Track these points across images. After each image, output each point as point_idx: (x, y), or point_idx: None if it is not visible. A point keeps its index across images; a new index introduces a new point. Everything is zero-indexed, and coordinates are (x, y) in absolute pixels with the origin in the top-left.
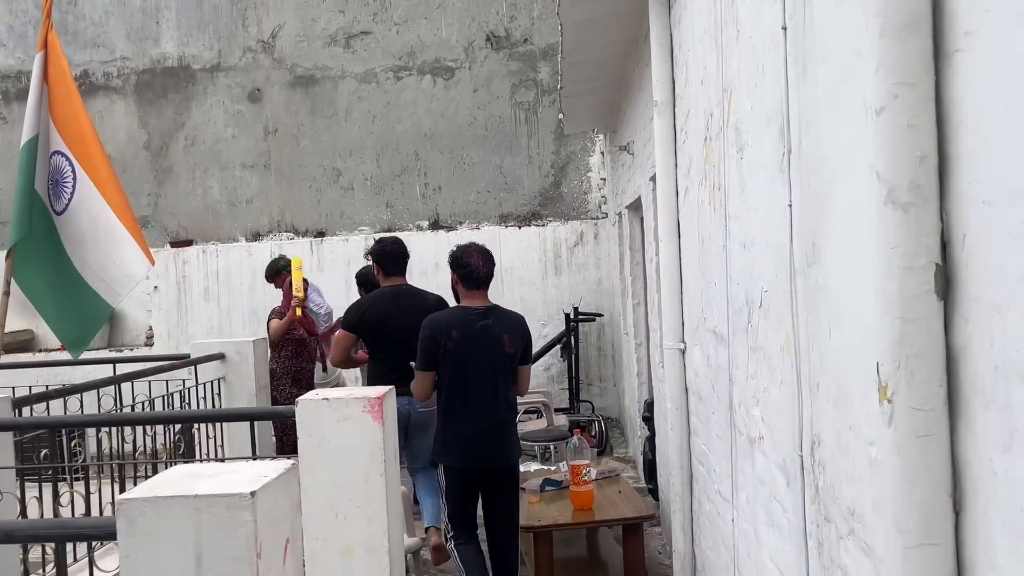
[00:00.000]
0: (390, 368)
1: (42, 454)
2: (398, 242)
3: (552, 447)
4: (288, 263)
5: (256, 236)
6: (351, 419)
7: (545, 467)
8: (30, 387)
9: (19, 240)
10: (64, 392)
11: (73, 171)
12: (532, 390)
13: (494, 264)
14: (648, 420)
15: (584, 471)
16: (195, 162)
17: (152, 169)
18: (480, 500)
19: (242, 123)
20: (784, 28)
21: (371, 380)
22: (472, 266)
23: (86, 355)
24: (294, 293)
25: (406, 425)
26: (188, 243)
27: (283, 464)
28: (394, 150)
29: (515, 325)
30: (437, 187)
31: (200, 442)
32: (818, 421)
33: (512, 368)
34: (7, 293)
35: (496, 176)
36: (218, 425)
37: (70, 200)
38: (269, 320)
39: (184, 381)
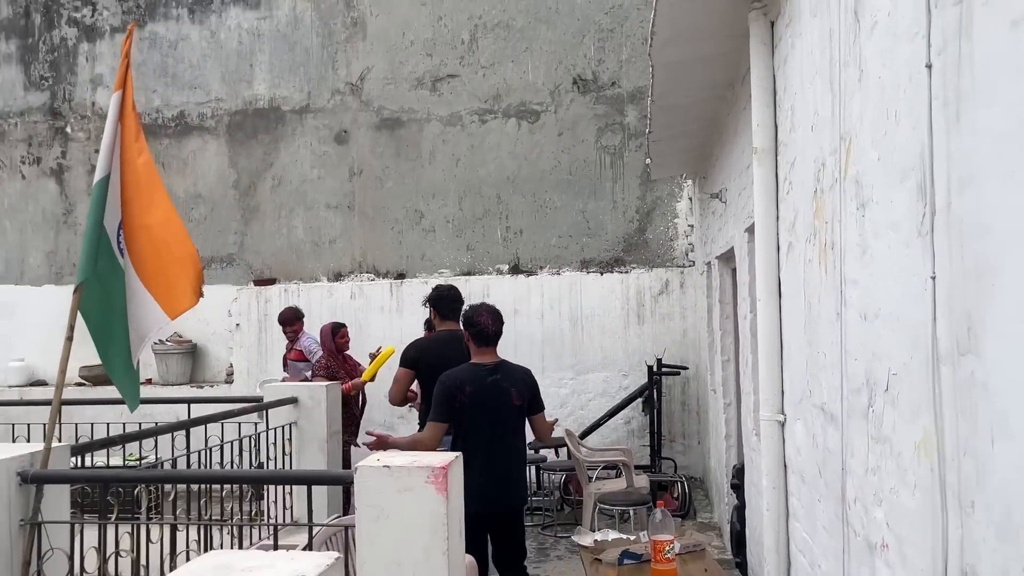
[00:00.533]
0: None
1: (107, 496)
2: (453, 289)
3: (632, 512)
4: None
5: (337, 276)
6: (413, 490)
7: (623, 536)
8: (108, 425)
9: (85, 279)
10: (125, 439)
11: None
12: (611, 446)
13: (503, 323)
14: (737, 488)
15: (667, 547)
16: (281, 202)
17: (239, 208)
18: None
19: (328, 164)
20: (929, 66)
21: (423, 418)
22: (482, 325)
23: (165, 391)
24: (365, 378)
25: None
26: (271, 281)
27: (323, 560)
28: (476, 193)
29: (521, 379)
30: (518, 231)
31: (267, 489)
32: (972, 549)
33: (520, 421)
34: (70, 339)
35: (579, 221)
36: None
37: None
38: (314, 374)
39: (256, 425)
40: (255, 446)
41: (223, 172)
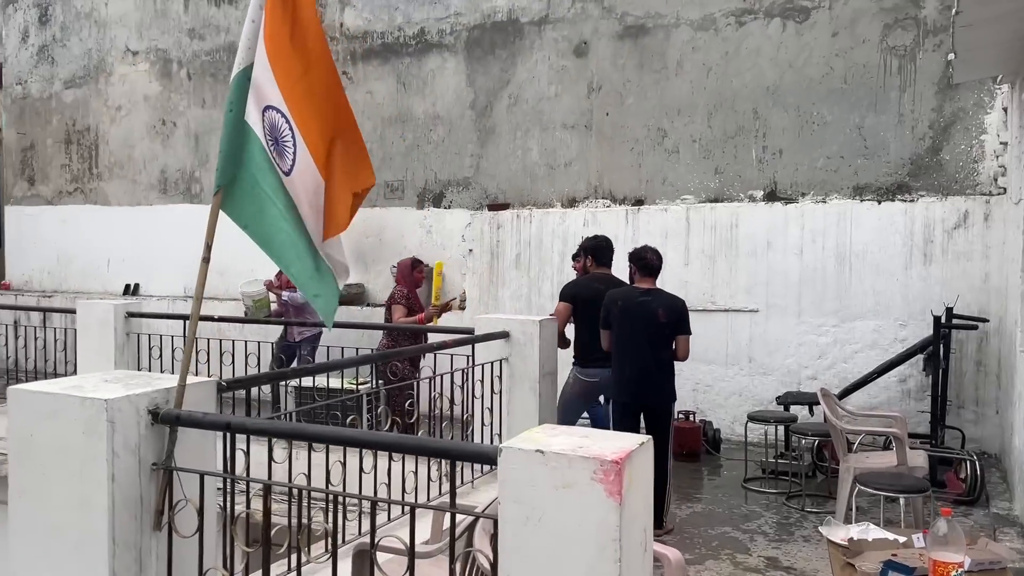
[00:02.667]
0: (592, 338)
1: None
2: (609, 240)
3: (903, 501)
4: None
5: (572, 202)
6: (574, 488)
7: (888, 536)
8: (356, 350)
9: (232, 182)
10: (276, 376)
11: (293, 137)
12: (880, 412)
13: (662, 262)
14: None
15: (953, 571)
16: (517, 122)
17: (476, 129)
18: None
19: (566, 80)
20: None
21: (576, 348)
22: (647, 259)
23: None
24: (434, 302)
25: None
26: (505, 206)
27: None
28: (729, 108)
29: (669, 303)
30: (777, 151)
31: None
32: None
33: (665, 335)
34: (207, 259)
35: (853, 139)
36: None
37: (293, 165)
38: (391, 303)
39: (468, 358)
40: (465, 381)
41: (460, 91)
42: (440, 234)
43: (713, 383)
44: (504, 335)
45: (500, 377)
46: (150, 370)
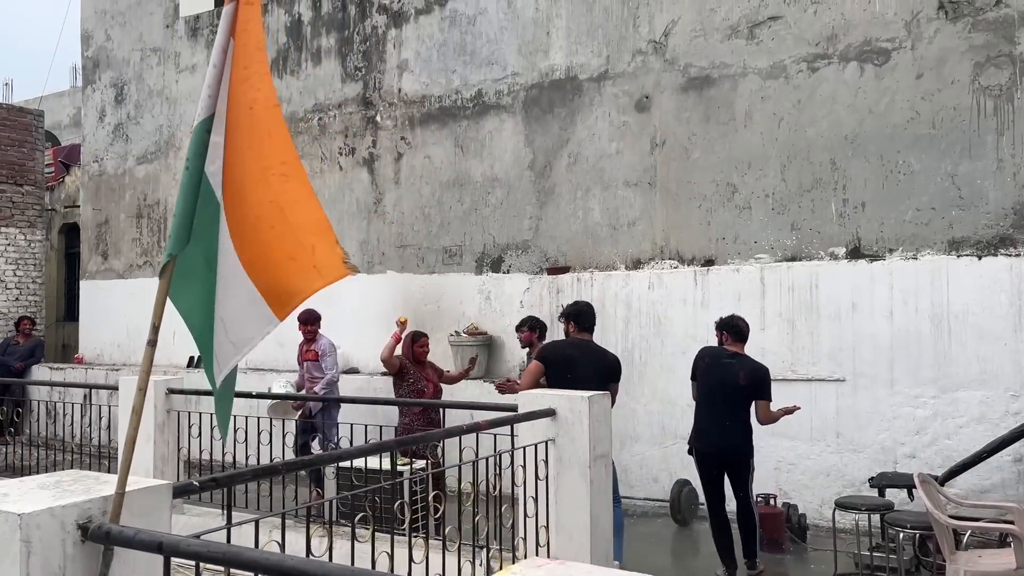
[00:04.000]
0: None
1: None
2: (590, 306)
3: None
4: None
5: (636, 263)
6: None
7: None
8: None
9: (181, 252)
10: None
11: (222, 163)
12: (993, 503)
13: (750, 330)
14: None
15: None
16: (577, 181)
17: (535, 191)
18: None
19: (627, 136)
20: None
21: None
22: (739, 325)
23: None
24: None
25: None
26: (565, 270)
27: None
28: (804, 159)
29: (753, 368)
30: (859, 204)
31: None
32: None
33: (742, 396)
34: (152, 343)
35: (945, 188)
36: None
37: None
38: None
39: (513, 439)
40: (504, 467)
41: (519, 152)
42: (499, 300)
43: (797, 461)
44: (550, 413)
45: (547, 461)
46: (189, 450)
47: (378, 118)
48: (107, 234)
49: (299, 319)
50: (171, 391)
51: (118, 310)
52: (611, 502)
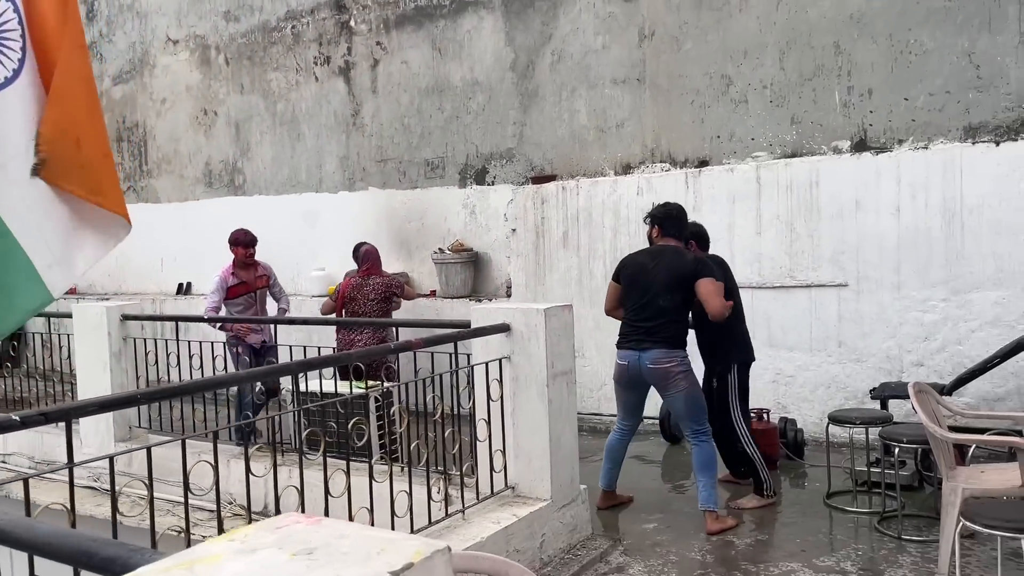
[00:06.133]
0: (630, 317)
1: None
2: (681, 209)
3: None
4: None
5: (627, 168)
6: None
7: None
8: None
9: None
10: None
11: (23, 31)
12: (1005, 413)
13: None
14: None
15: None
16: (562, 81)
17: (517, 93)
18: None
19: (614, 28)
20: None
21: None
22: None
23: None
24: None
25: (636, 379)
26: (550, 178)
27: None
28: (805, 44)
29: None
30: (865, 91)
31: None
32: None
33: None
34: None
35: (962, 68)
36: None
37: (16, 73)
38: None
39: (469, 356)
40: (457, 384)
41: (500, 52)
42: (484, 214)
43: (795, 373)
44: (503, 329)
45: (500, 380)
46: (147, 378)
47: (352, 23)
48: None
49: (239, 242)
50: (125, 317)
51: None
52: (574, 423)
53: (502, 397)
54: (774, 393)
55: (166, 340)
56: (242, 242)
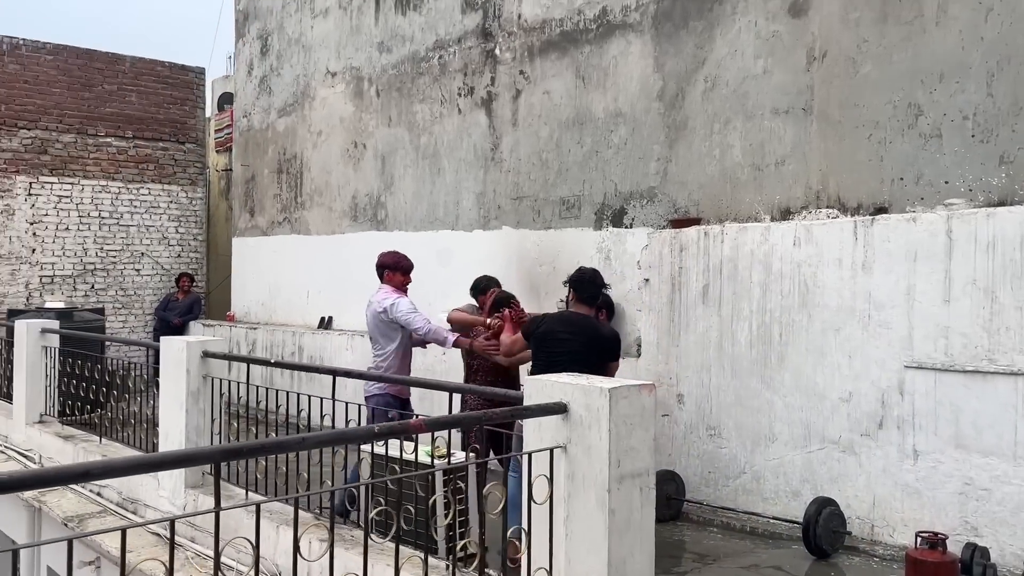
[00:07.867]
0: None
1: None
2: (597, 274)
3: None
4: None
5: (785, 213)
6: None
7: None
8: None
9: None
10: None
11: None
12: None
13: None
14: None
15: None
16: (714, 111)
17: (663, 125)
18: None
19: (778, 49)
20: None
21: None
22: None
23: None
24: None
25: None
26: (694, 222)
27: None
28: (1021, 64)
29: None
30: None
31: None
32: None
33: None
34: None
35: None
36: None
37: None
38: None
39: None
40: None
41: (646, 80)
42: (620, 260)
43: (992, 486)
44: (559, 409)
45: (550, 477)
46: (220, 423)
47: (497, 51)
48: (253, 191)
49: (399, 267)
50: (207, 354)
51: (263, 268)
52: (649, 543)
53: (551, 499)
54: (960, 510)
55: (256, 387)
56: (403, 267)
